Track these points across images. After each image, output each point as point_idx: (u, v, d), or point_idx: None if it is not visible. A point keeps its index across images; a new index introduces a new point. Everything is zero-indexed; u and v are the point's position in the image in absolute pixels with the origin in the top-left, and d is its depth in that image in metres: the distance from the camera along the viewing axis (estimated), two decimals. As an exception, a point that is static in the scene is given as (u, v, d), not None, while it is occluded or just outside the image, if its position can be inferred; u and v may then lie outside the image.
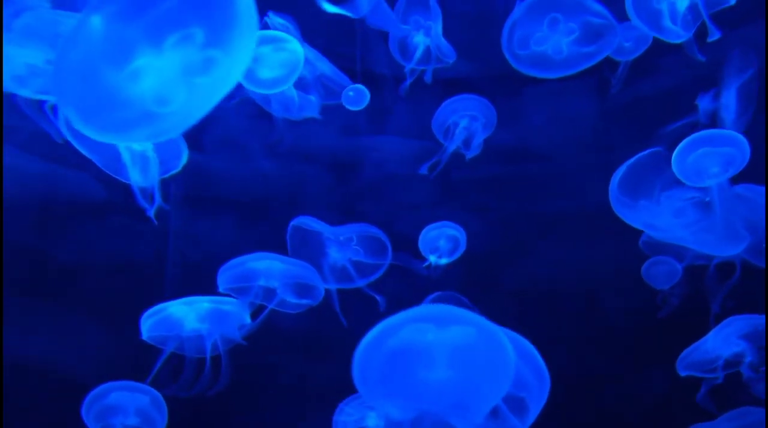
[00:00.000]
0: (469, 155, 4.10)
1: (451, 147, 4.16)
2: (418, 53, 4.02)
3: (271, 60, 3.37)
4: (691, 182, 2.98)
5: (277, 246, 3.65)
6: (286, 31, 3.76)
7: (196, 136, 4.16)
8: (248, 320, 3.47)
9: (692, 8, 2.99)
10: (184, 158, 3.13)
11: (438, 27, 3.98)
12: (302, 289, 3.47)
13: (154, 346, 3.38)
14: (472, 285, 4.18)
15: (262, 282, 3.44)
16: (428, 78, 4.11)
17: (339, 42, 4.18)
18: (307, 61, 3.78)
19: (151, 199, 3.05)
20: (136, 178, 2.99)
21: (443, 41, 4.02)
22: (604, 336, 4.17)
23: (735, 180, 2.91)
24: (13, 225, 3.36)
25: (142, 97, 1.85)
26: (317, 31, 3.83)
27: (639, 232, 3.52)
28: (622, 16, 3.32)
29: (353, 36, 4.18)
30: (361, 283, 3.60)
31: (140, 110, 1.87)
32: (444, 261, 3.90)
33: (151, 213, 3.03)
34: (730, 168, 2.93)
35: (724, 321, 3.49)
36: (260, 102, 3.91)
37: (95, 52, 1.85)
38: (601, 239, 3.84)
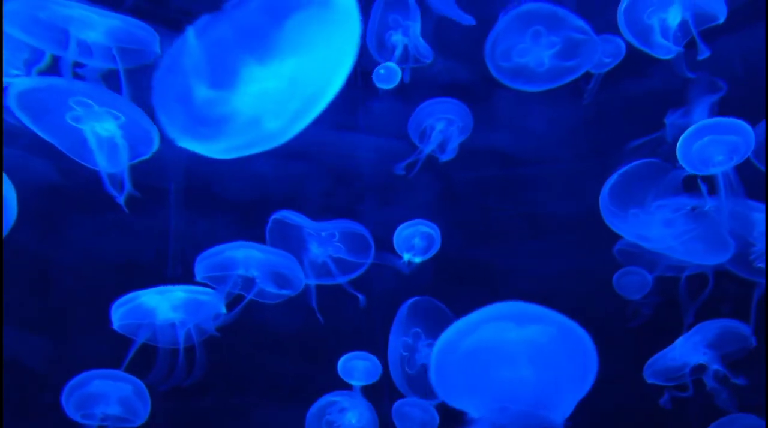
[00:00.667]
0: (444, 158, 3.98)
1: (427, 150, 3.99)
2: (398, 52, 3.91)
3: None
4: (695, 170, 2.92)
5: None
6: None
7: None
8: (224, 310, 3.25)
9: (682, 24, 2.93)
10: (156, 145, 2.94)
11: (417, 27, 3.90)
12: (282, 279, 3.30)
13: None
14: (445, 284, 4.02)
15: (241, 272, 3.25)
16: (407, 77, 3.97)
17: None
18: None
19: (120, 186, 2.91)
20: (103, 164, 2.84)
21: (421, 41, 3.93)
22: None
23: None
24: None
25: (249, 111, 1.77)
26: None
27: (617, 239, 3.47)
28: (612, 28, 3.24)
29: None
30: (341, 280, 3.43)
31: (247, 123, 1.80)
32: (418, 259, 3.77)
33: (121, 200, 2.88)
34: (734, 156, 2.88)
35: (693, 329, 3.46)
36: None
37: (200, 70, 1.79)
38: (587, 244, 3.78)
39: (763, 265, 2.77)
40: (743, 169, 2.97)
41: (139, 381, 3.14)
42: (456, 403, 2.01)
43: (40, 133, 2.70)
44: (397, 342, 3.62)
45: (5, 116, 2.75)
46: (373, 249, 3.51)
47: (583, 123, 4.13)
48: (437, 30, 4.02)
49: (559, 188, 4.19)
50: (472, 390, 1.93)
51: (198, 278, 3.35)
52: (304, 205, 3.80)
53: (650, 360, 3.54)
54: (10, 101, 2.61)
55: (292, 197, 4.04)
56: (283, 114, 1.81)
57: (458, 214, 4.28)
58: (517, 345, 1.77)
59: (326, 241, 3.47)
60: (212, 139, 1.88)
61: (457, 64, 4.00)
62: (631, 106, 4.01)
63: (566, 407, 1.80)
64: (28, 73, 2.88)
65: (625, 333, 3.96)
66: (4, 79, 2.72)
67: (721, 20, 2.89)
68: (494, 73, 3.58)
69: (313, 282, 3.43)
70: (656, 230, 2.70)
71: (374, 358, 3.66)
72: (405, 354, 3.58)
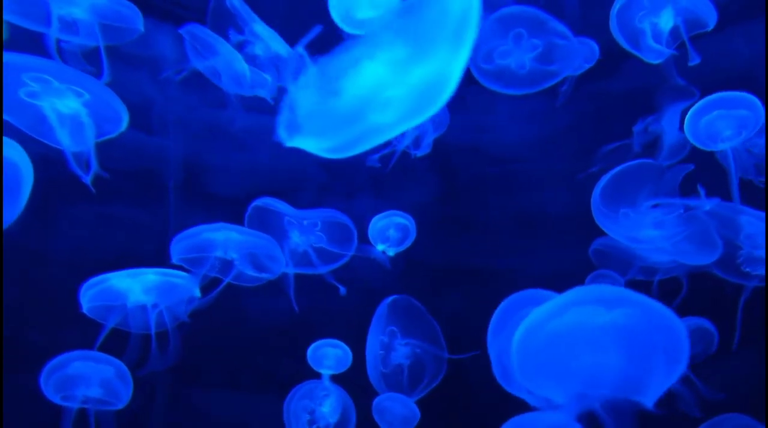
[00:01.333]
0: (419, 154, 3.86)
1: (401, 146, 3.83)
2: None
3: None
4: (703, 146, 2.83)
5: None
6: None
7: (194, 131, 3.93)
8: (198, 294, 3.04)
9: (672, 30, 2.87)
10: (125, 123, 2.84)
11: None
12: (261, 262, 3.11)
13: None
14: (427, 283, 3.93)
15: (219, 254, 3.05)
16: None
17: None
18: (261, 39, 3.43)
19: (86, 165, 2.80)
20: (66, 142, 2.71)
21: None
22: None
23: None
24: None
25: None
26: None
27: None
28: (601, 28, 3.17)
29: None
30: (322, 270, 3.26)
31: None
32: (393, 251, 3.64)
33: (87, 180, 2.76)
34: (743, 131, 2.77)
35: None
36: (209, 75, 3.57)
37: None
38: (577, 243, 3.71)
39: (749, 269, 2.71)
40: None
41: (121, 364, 2.98)
42: (537, 388, 1.94)
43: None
44: (375, 339, 3.51)
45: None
46: (356, 241, 3.33)
47: (560, 123, 4.04)
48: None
49: (551, 187, 4.12)
50: (555, 375, 1.86)
51: (174, 260, 3.10)
52: (301, 199, 3.69)
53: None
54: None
55: (290, 190, 3.88)
56: (396, 110, 1.70)
57: (465, 212, 4.13)
58: (604, 329, 1.67)
59: (308, 230, 3.28)
60: (325, 135, 1.77)
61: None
62: (608, 106, 3.95)
63: (656, 391, 1.69)
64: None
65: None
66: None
67: (711, 27, 2.82)
68: (476, 75, 3.53)
69: (292, 271, 3.22)
70: (647, 231, 2.60)
71: (345, 346, 3.53)
72: (381, 352, 3.43)
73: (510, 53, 3.53)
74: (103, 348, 3.00)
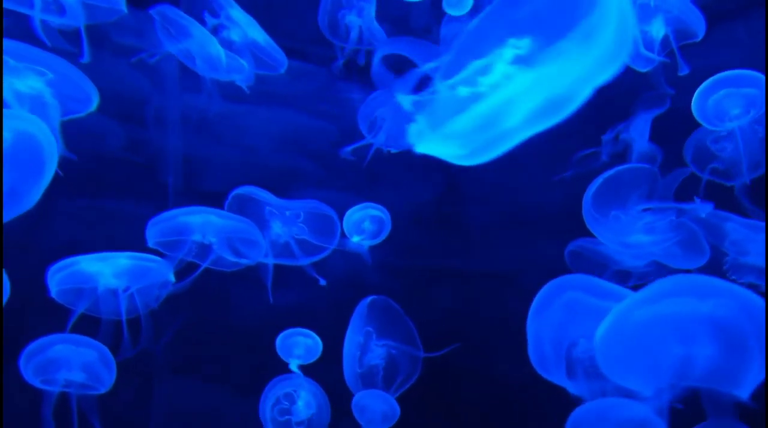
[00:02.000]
0: (394, 150, 3.78)
1: (378, 142, 3.82)
2: (354, 34, 3.76)
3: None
4: (711, 125, 2.79)
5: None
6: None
7: (192, 128, 3.83)
8: (172, 279, 2.91)
9: (662, 39, 2.86)
10: (94, 103, 2.73)
11: (371, 8, 3.75)
12: (241, 247, 2.96)
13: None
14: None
15: (197, 238, 2.89)
16: (361, 60, 3.82)
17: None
18: (237, 24, 3.36)
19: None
20: None
21: (375, 24, 3.77)
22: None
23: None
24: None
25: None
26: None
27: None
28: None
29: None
30: (303, 262, 3.13)
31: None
32: (368, 243, 3.56)
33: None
34: (751, 109, 2.73)
35: None
36: (183, 59, 3.45)
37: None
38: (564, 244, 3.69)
39: (735, 277, 2.71)
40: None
41: (104, 348, 2.84)
42: (621, 379, 1.87)
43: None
44: (352, 340, 3.45)
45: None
46: (339, 234, 3.22)
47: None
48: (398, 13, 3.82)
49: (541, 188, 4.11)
50: (643, 366, 1.80)
51: (149, 244, 2.92)
52: (297, 195, 3.60)
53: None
54: None
55: (287, 186, 3.77)
56: (528, 116, 1.63)
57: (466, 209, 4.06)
58: (698, 320, 1.59)
59: (290, 221, 3.15)
60: (457, 141, 1.70)
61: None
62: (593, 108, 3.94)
63: (752, 382, 1.63)
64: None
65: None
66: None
67: (700, 38, 2.82)
68: None
69: (271, 261, 3.07)
70: (637, 236, 2.57)
71: (315, 336, 3.43)
72: (357, 352, 3.37)
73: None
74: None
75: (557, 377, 2.02)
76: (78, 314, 2.82)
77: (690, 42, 2.87)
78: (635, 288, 3.29)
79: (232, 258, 2.96)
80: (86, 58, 2.87)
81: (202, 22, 3.36)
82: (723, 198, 2.89)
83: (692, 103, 2.69)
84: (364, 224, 3.71)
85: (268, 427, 3.32)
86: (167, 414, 3.63)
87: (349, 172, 4.01)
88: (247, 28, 3.63)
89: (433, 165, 4.44)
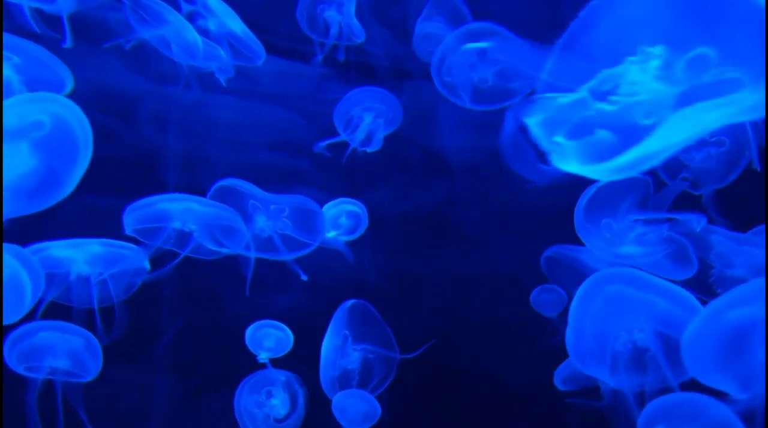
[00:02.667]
0: (370, 149, 3.72)
1: (355, 141, 3.80)
2: (334, 30, 3.73)
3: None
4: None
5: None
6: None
7: (192, 126, 3.73)
8: (147, 267, 2.81)
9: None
10: (68, 86, 2.63)
11: (351, 5, 3.71)
12: (223, 235, 2.82)
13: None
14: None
15: (176, 225, 2.75)
16: (341, 56, 3.77)
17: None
18: (214, 14, 3.28)
19: None
20: None
21: (355, 20, 3.74)
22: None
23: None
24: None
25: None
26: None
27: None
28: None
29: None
30: (286, 257, 3.01)
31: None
32: (344, 238, 3.48)
33: None
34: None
35: None
36: (158, 45, 3.34)
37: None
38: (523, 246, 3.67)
39: (720, 290, 2.74)
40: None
41: (90, 335, 2.71)
42: (709, 380, 1.81)
43: None
44: (329, 343, 3.38)
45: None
46: (324, 231, 3.12)
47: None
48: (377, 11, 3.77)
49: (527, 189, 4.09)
50: (736, 368, 1.73)
51: (126, 231, 2.77)
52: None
53: (558, 368, 3.45)
54: None
55: (287, 187, 3.69)
56: (673, 135, 1.46)
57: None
58: None
59: (274, 215, 3.02)
60: (601, 160, 1.53)
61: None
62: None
63: None
64: None
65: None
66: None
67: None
68: (438, 87, 3.51)
69: (253, 255, 2.94)
70: (627, 247, 2.57)
71: (287, 329, 3.36)
72: (333, 355, 3.31)
73: (474, 67, 3.46)
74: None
75: (597, 370, 1.98)
76: (48, 301, 2.61)
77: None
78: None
79: (212, 247, 2.80)
80: (68, 44, 2.78)
81: (178, 9, 3.19)
82: (691, 206, 2.92)
83: None
84: (340, 219, 3.66)
85: (244, 420, 3.18)
86: (167, 415, 3.53)
87: (347, 174, 3.93)
88: (224, 17, 3.49)
89: (433, 167, 4.41)
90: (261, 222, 3.03)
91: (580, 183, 3.10)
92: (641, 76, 1.42)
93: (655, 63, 1.39)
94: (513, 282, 3.78)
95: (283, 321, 3.35)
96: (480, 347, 3.78)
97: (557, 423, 3.49)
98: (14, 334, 2.54)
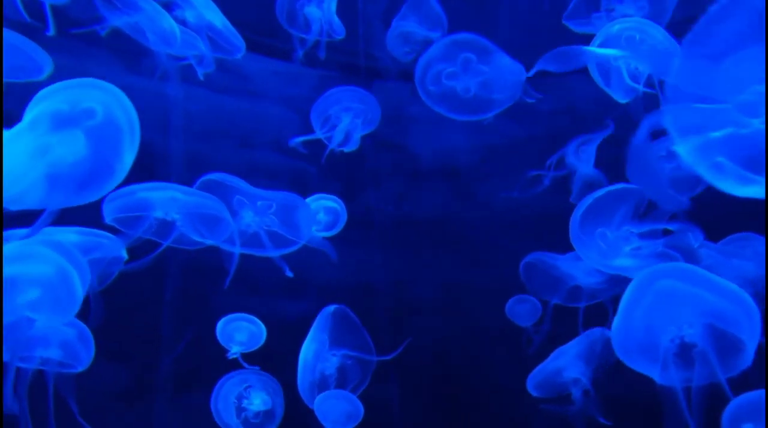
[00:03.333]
0: (347, 149, 3.68)
1: (334, 141, 3.78)
2: (316, 26, 3.70)
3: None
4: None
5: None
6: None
7: (195, 125, 3.62)
8: (125, 256, 2.69)
9: (644, 73, 2.92)
10: (46, 71, 2.53)
11: (332, 2, 3.67)
12: (207, 225, 2.68)
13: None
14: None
15: (158, 214, 2.60)
16: (321, 53, 3.73)
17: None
18: (192, 5, 3.22)
19: None
20: None
21: (335, 17, 3.70)
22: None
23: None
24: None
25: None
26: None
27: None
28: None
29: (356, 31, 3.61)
30: (272, 253, 2.89)
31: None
32: (324, 234, 3.39)
33: None
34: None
35: (572, 341, 3.41)
36: (133, 34, 3.21)
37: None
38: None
39: None
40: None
41: (83, 326, 2.56)
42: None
43: None
44: (308, 348, 3.30)
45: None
46: (311, 229, 3.02)
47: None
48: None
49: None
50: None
51: (106, 220, 2.70)
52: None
53: (532, 373, 3.43)
54: None
55: (289, 188, 3.50)
56: None
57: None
58: None
59: (261, 211, 2.90)
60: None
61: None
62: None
63: None
64: None
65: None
66: None
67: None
68: (422, 96, 3.51)
69: (238, 250, 2.81)
70: (622, 260, 2.56)
71: (260, 322, 3.28)
72: (311, 360, 3.23)
73: (457, 76, 3.48)
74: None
75: (643, 365, 1.94)
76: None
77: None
78: (588, 308, 3.31)
79: (196, 238, 2.64)
80: (51, 31, 2.71)
81: (155, -1, 3.06)
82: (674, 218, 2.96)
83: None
84: (318, 215, 3.59)
85: (222, 418, 3.10)
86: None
87: (346, 176, 3.83)
88: (203, 9, 3.36)
89: (439, 173, 4.35)
90: (248, 217, 2.88)
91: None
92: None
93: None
94: (515, 286, 3.75)
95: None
96: (482, 349, 3.71)
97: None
98: (6, 324, 2.32)
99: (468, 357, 3.63)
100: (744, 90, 1.33)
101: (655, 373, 1.91)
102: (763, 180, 1.38)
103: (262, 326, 3.34)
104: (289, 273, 2.92)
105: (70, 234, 2.70)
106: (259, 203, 2.92)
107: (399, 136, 4.08)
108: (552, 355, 3.43)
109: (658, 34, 2.85)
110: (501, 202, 3.84)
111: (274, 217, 2.92)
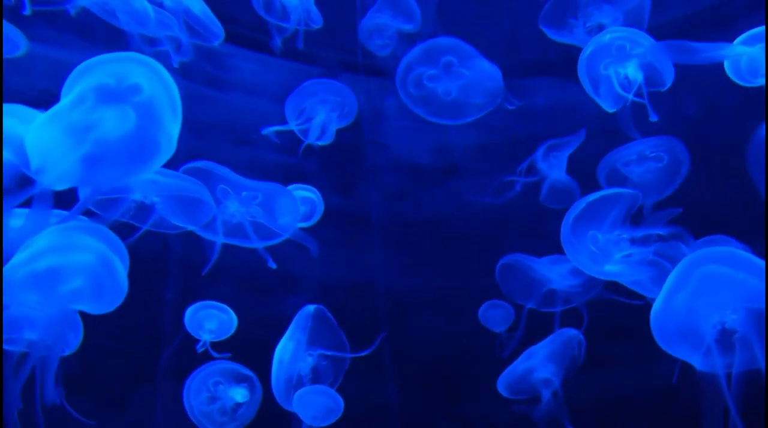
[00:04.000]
0: (322, 143, 3.58)
1: (311, 136, 3.69)
2: (294, 15, 3.59)
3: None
4: (744, 82, 2.74)
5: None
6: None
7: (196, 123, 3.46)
8: None
9: (634, 83, 2.93)
10: (22, 48, 2.53)
11: None
12: (187, 208, 2.53)
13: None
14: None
15: (137, 197, 2.44)
16: (300, 43, 3.62)
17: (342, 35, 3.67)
18: None
19: None
20: None
21: (313, 6, 3.62)
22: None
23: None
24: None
25: None
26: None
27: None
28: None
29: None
30: (256, 244, 2.75)
31: None
32: (301, 225, 3.30)
33: None
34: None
35: (541, 342, 3.39)
36: (101, 14, 3.08)
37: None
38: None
39: None
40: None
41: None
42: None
43: None
44: (285, 346, 3.21)
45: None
46: (297, 221, 2.90)
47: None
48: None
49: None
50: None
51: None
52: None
53: (502, 374, 3.39)
54: None
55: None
56: None
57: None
58: None
59: (246, 202, 2.75)
60: None
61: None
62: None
63: None
64: None
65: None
66: None
67: (666, 87, 2.91)
68: (403, 99, 3.49)
69: (220, 240, 2.65)
70: (612, 266, 2.53)
71: (230, 311, 3.19)
72: (286, 359, 3.12)
73: (439, 78, 3.45)
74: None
75: (683, 351, 1.88)
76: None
77: (656, 90, 2.92)
78: (564, 312, 3.28)
79: (176, 222, 2.48)
80: (27, 11, 2.63)
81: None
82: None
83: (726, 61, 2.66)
84: (296, 206, 3.43)
85: (194, 412, 3.02)
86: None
87: (352, 175, 3.69)
88: (182, -5, 3.20)
89: (439, 171, 4.24)
90: (232, 207, 2.72)
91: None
92: None
93: None
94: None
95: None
96: (481, 349, 3.64)
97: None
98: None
99: (467, 357, 3.54)
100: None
101: (695, 359, 1.85)
102: None
103: (233, 314, 3.23)
104: (272, 265, 2.77)
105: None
106: (244, 193, 2.75)
107: (397, 134, 3.98)
108: (522, 356, 3.38)
109: (648, 44, 2.83)
110: (500, 200, 3.77)
111: (259, 208, 2.76)
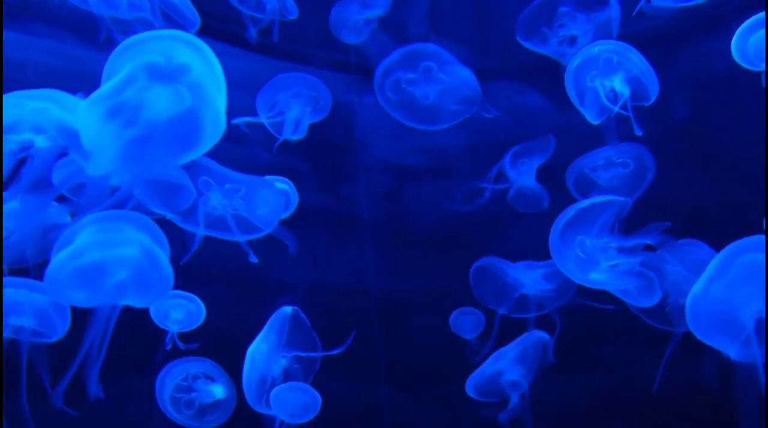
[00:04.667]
0: (295, 137, 3.49)
1: (285, 132, 3.57)
2: (270, 5, 3.51)
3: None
4: (750, 65, 2.73)
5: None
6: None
7: None
8: (69, 219, 2.30)
9: (620, 96, 2.95)
10: None
11: None
12: (166, 194, 2.38)
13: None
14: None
15: (113, 182, 2.30)
16: (275, 36, 3.57)
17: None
18: None
19: None
20: None
21: None
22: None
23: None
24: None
25: None
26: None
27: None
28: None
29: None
30: (238, 238, 2.61)
31: None
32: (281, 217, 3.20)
33: None
34: None
35: (509, 344, 3.37)
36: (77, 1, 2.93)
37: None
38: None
39: (674, 320, 2.76)
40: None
41: None
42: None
43: None
44: (258, 348, 3.10)
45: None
46: (280, 215, 2.78)
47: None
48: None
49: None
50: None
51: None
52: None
53: (470, 376, 3.35)
54: None
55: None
56: None
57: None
58: None
59: (229, 194, 2.61)
60: None
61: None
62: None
63: None
64: None
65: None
66: None
67: (651, 101, 2.94)
68: (381, 102, 3.48)
69: (201, 232, 2.50)
70: (598, 274, 2.52)
71: (199, 301, 3.05)
72: (257, 360, 3.02)
73: (417, 82, 3.44)
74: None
75: (720, 340, 1.83)
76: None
77: (641, 104, 2.93)
78: (538, 318, 3.25)
79: (154, 208, 2.32)
80: None
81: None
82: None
83: (732, 43, 2.66)
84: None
85: (167, 407, 2.94)
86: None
87: (349, 176, 3.57)
88: (155, -23, 3.05)
89: (431, 172, 4.12)
90: (214, 199, 2.55)
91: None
92: None
93: None
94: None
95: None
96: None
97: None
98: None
99: (461, 358, 3.45)
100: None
101: (731, 349, 1.81)
102: None
103: (201, 304, 3.09)
104: (254, 259, 2.62)
105: (10, 202, 2.26)
106: (227, 185, 2.59)
107: (394, 133, 3.88)
108: (491, 358, 3.33)
109: (636, 58, 2.84)
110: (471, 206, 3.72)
111: (242, 201, 2.60)
